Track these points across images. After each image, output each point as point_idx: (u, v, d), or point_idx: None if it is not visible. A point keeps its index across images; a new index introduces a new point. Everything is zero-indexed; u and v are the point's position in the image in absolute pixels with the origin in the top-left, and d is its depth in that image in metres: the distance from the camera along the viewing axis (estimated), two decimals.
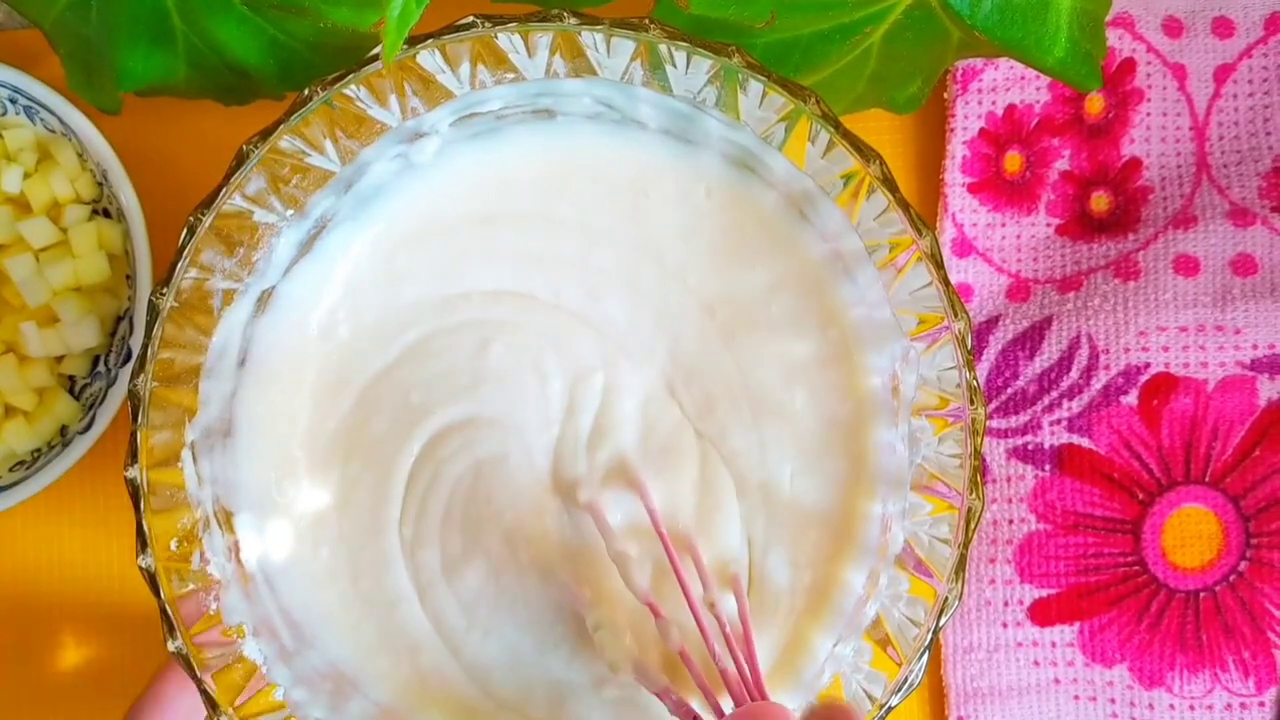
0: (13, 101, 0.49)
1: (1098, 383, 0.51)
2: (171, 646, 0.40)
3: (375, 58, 0.42)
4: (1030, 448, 0.51)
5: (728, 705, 0.42)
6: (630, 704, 0.45)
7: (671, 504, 0.45)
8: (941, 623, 0.43)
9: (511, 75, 0.43)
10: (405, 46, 0.41)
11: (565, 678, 0.45)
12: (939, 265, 0.43)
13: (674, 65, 0.42)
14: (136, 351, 0.45)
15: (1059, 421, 0.51)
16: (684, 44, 0.42)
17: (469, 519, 0.45)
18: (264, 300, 0.45)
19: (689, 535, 0.45)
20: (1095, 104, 0.53)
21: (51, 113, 0.49)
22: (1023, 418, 0.51)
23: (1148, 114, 0.53)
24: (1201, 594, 0.51)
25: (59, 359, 0.50)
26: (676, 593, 0.43)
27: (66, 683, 0.53)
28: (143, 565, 0.40)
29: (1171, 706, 0.51)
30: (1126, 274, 0.52)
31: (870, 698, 0.43)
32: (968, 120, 0.52)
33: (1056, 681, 0.51)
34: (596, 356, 0.45)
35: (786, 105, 0.42)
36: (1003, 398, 0.52)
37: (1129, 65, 0.53)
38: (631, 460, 0.45)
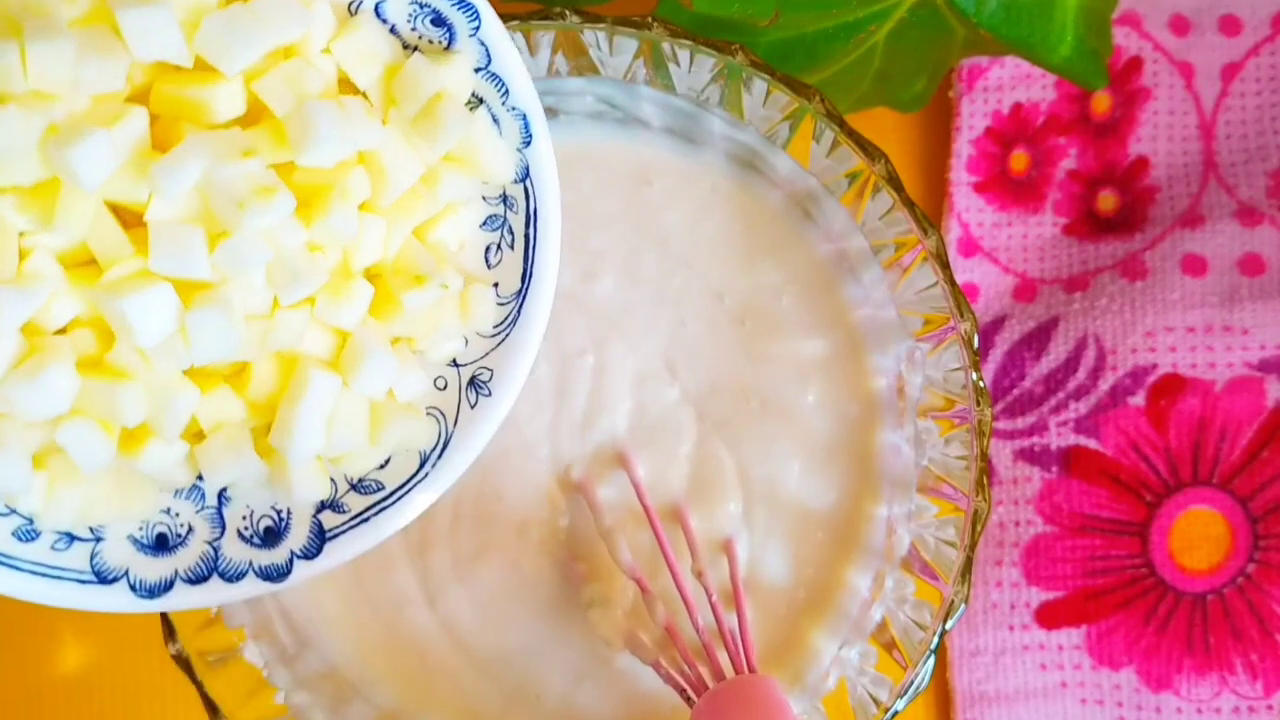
0: None
1: (1105, 384, 0.51)
2: (172, 649, 0.40)
3: None
4: (1037, 449, 0.51)
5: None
6: (639, 673, 0.45)
7: (662, 475, 0.45)
8: (947, 626, 0.43)
9: None
10: None
11: (582, 653, 0.45)
12: (945, 265, 0.43)
13: (677, 64, 0.42)
14: None
15: (1066, 423, 0.51)
16: (687, 42, 0.41)
17: (481, 516, 0.45)
18: None
19: (679, 506, 0.45)
20: (1102, 102, 0.52)
21: None
22: (1029, 419, 0.51)
23: (1155, 113, 0.53)
24: (1209, 597, 0.51)
25: None
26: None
27: (66, 683, 0.53)
28: None
29: (1179, 710, 0.51)
30: (1133, 274, 0.51)
31: (876, 701, 0.43)
32: (973, 119, 0.52)
33: (1063, 685, 0.51)
34: (586, 338, 0.45)
35: (790, 104, 0.42)
36: (1009, 399, 0.51)
37: (1136, 63, 0.52)
38: (622, 436, 0.45)
